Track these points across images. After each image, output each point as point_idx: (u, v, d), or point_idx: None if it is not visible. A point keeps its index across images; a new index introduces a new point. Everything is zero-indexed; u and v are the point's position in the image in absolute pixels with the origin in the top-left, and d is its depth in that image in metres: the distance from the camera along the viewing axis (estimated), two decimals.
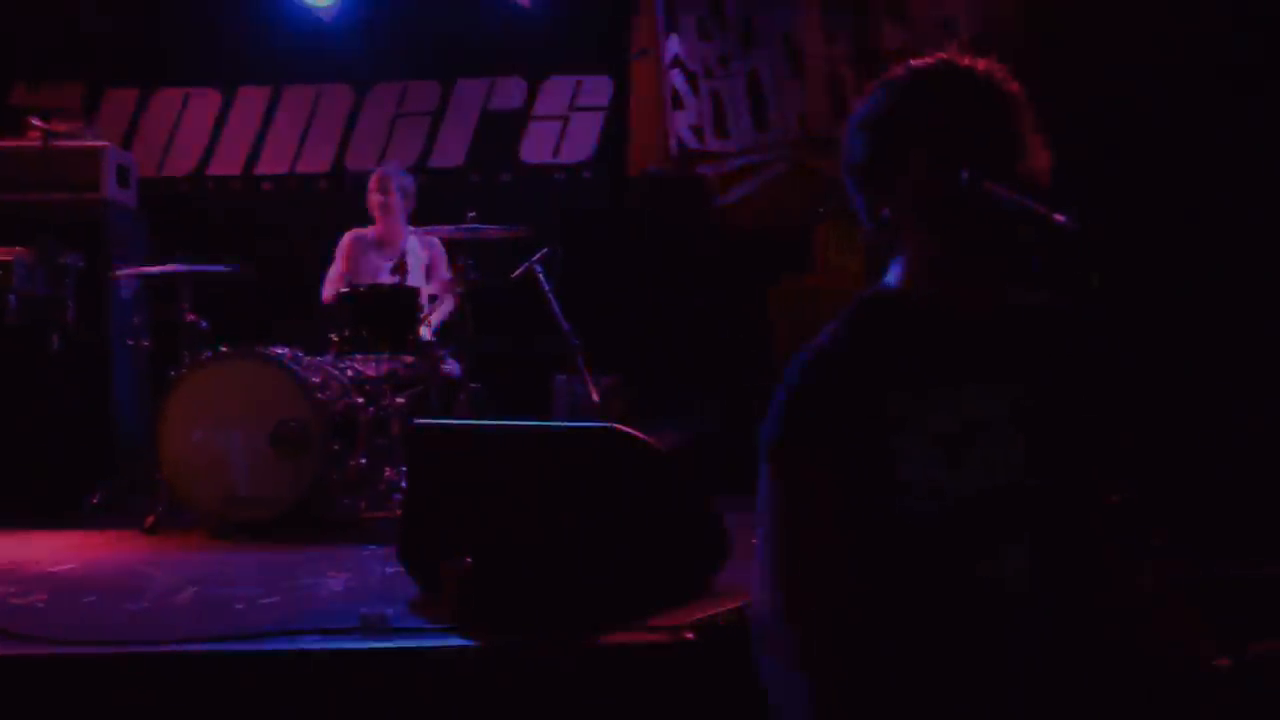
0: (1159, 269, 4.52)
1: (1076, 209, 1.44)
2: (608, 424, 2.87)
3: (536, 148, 6.65)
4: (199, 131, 6.59)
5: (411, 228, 5.35)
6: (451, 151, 6.64)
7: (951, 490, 1.46)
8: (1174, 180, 4.93)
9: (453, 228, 4.98)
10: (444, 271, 5.41)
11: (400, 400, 4.99)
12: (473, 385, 5.03)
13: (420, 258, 5.40)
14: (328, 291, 5.43)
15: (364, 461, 4.82)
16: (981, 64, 1.53)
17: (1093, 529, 1.55)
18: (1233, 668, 1.56)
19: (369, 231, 5.48)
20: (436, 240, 5.39)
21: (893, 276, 1.59)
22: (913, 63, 1.56)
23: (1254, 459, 3.51)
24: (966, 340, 1.53)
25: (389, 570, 3.62)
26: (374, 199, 5.38)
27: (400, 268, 5.03)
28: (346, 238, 5.49)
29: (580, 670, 2.74)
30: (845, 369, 1.51)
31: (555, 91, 6.65)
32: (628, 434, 2.85)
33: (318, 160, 6.58)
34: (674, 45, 6.39)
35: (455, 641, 2.79)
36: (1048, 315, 1.58)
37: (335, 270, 5.46)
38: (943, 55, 1.55)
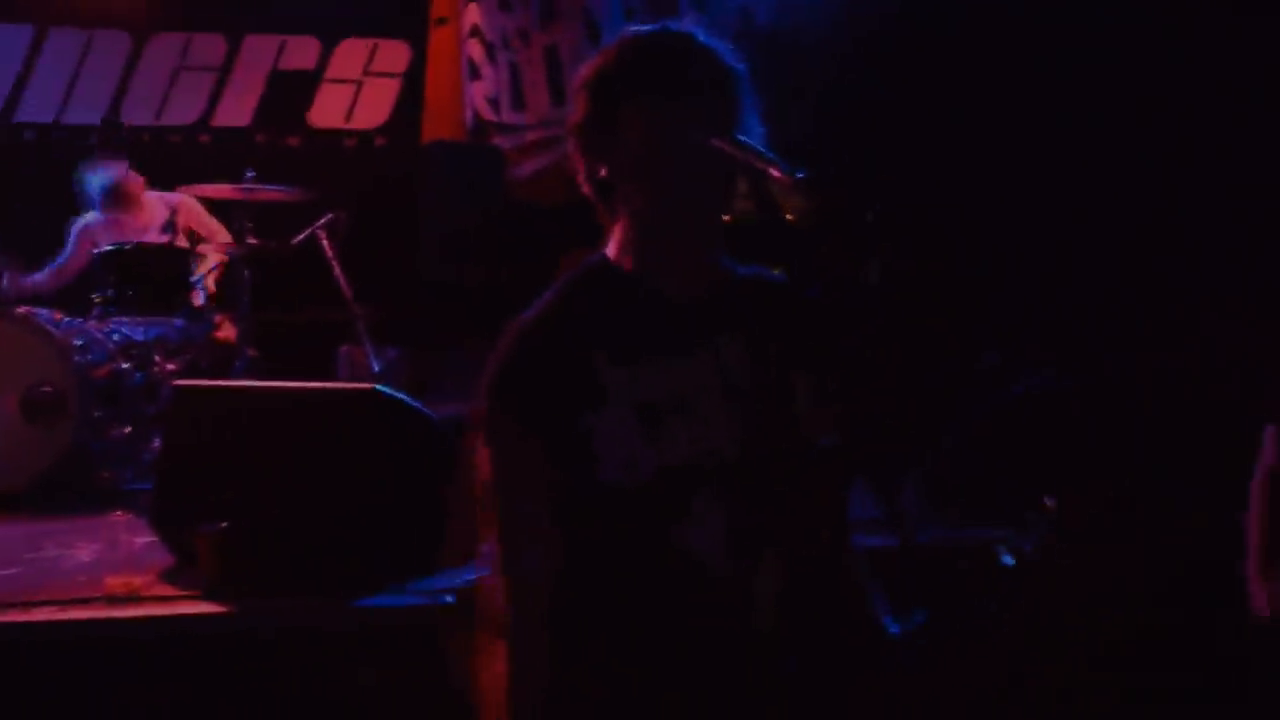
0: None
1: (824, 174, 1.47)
2: (370, 386, 2.82)
3: (328, 111, 6.44)
4: None
5: (156, 192, 5.13)
6: (237, 110, 6.36)
7: (648, 463, 1.46)
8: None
9: (230, 186, 4.78)
10: (210, 224, 5.16)
11: (171, 367, 4.76)
12: (250, 352, 4.84)
13: (162, 219, 5.13)
14: (47, 279, 5.08)
15: (128, 430, 4.58)
16: (702, 35, 1.54)
17: (798, 501, 1.57)
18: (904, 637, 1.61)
19: (102, 216, 5.14)
20: (187, 198, 5.14)
21: (609, 245, 1.57)
22: (632, 28, 1.56)
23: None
24: (675, 311, 1.53)
25: (143, 540, 3.46)
26: (119, 211, 5.05)
27: (172, 226, 4.79)
28: (79, 226, 5.16)
29: (338, 635, 2.70)
30: (551, 339, 1.50)
31: (350, 54, 6.46)
32: (391, 397, 2.81)
33: (88, 111, 6.17)
34: (473, 15, 6.31)
35: (206, 609, 2.70)
36: (762, 287, 1.60)
37: (65, 260, 5.13)
38: (665, 23, 1.55)
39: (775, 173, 1.43)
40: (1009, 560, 1.53)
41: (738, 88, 1.55)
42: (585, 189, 1.58)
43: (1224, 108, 4.43)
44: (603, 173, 1.54)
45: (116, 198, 5.01)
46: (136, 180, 5.09)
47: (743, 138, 1.49)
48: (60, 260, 5.14)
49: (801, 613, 1.60)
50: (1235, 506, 3.00)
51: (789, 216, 1.48)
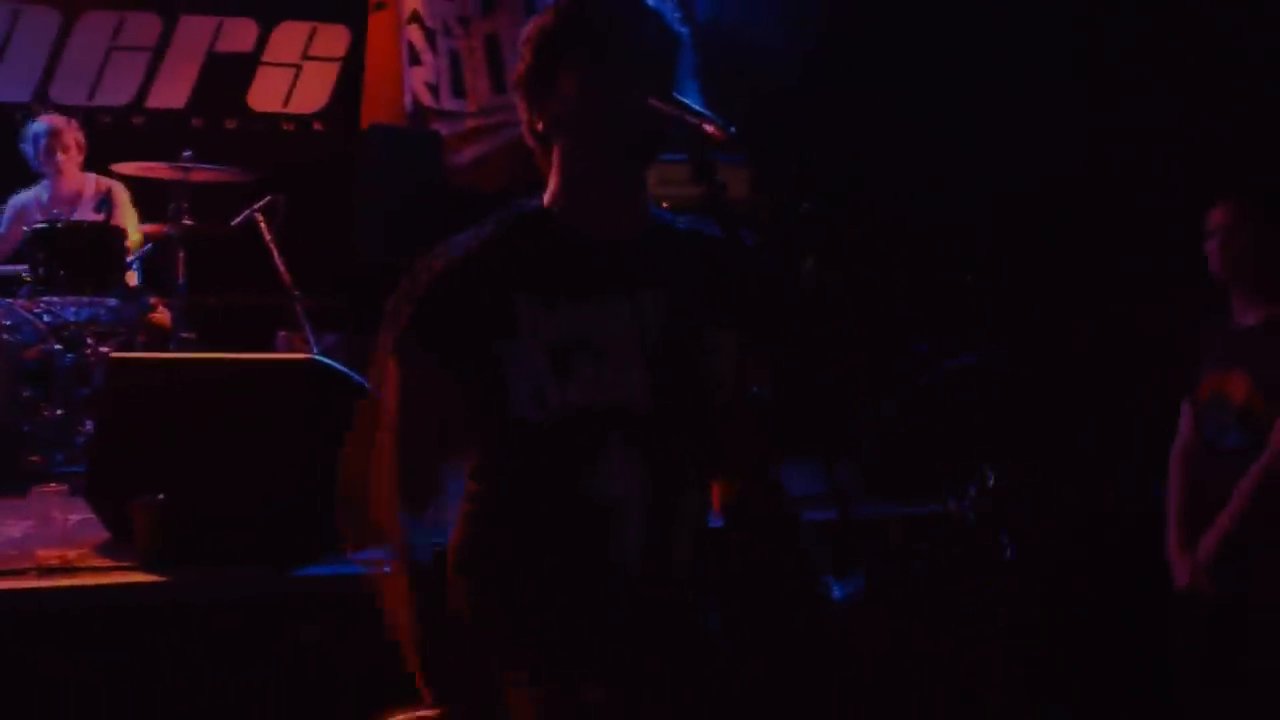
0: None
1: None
2: (308, 356, 2.82)
3: (266, 95, 6.37)
4: None
5: (91, 174, 5.07)
6: (173, 92, 6.26)
7: (557, 402, 1.50)
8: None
9: (167, 165, 4.73)
10: (129, 217, 5.09)
11: (104, 349, 4.68)
12: (185, 334, 4.79)
13: (95, 197, 5.05)
14: None
15: (59, 412, 4.51)
16: None
17: (715, 453, 1.61)
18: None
19: (41, 189, 5.07)
20: (118, 184, 5.07)
21: (546, 193, 1.61)
22: None
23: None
24: (599, 257, 1.56)
25: (76, 518, 3.43)
26: (45, 159, 4.98)
27: (105, 204, 4.72)
28: (13, 204, 5.08)
29: (277, 603, 2.70)
30: (473, 272, 1.53)
31: (288, 38, 6.39)
32: (330, 366, 2.81)
33: (16, 89, 6.04)
34: (413, 0, 6.29)
35: (141, 578, 2.68)
36: (695, 239, 1.63)
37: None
38: None
39: (710, 128, 1.47)
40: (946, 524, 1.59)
41: (678, 49, 1.59)
42: (527, 138, 1.62)
43: (1142, 99, 4.60)
44: (539, 125, 1.58)
45: (53, 142, 4.94)
46: (77, 132, 5.02)
47: (679, 96, 1.52)
48: None
49: (724, 561, 1.64)
50: (1156, 482, 3.11)
51: (728, 200, 1.52)
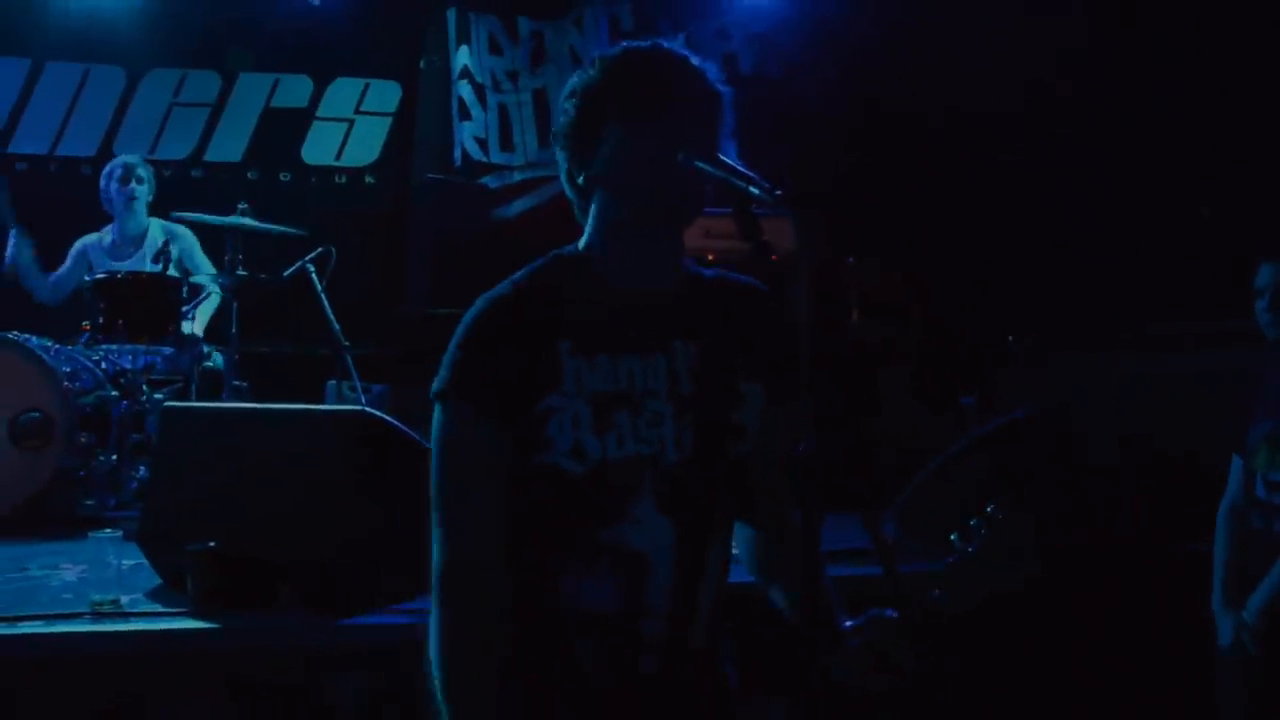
0: None
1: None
2: (359, 409, 2.87)
3: (319, 148, 6.54)
4: None
5: (156, 219, 5.21)
6: (230, 146, 6.45)
7: (595, 455, 1.51)
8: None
9: (222, 218, 4.85)
10: (200, 260, 5.23)
11: (159, 397, 4.79)
12: (237, 383, 4.88)
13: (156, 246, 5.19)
14: (50, 295, 5.17)
15: (114, 458, 4.61)
16: (694, 57, 1.60)
17: (735, 504, 1.61)
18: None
19: (105, 233, 5.23)
20: (185, 229, 5.20)
21: (582, 240, 1.63)
22: (627, 44, 1.62)
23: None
24: (636, 311, 1.57)
25: (129, 563, 3.49)
26: (118, 189, 5.13)
27: (163, 255, 4.84)
28: (78, 247, 5.23)
29: (323, 651, 2.73)
30: (515, 322, 1.54)
31: (342, 93, 6.57)
32: (383, 420, 2.86)
33: (83, 143, 6.26)
34: (463, 56, 6.44)
35: (192, 624, 2.73)
36: (727, 289, 1.65)
37: (60, 278, 5.21)
38: (659, 41, 1.61)
39: (754, 190, 1.49)
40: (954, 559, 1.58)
41: (721, 109, 1.60)
42: (566, 189, 1.64)
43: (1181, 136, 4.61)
44: (581, 179, 1.61)
45: (128, 173, 5.13)
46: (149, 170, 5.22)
47: (723, 157, 1.53)
48: (55, 276, 5.19)
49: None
50: (1201, 538, 3.08)
51: (774, 257, 1.54)
